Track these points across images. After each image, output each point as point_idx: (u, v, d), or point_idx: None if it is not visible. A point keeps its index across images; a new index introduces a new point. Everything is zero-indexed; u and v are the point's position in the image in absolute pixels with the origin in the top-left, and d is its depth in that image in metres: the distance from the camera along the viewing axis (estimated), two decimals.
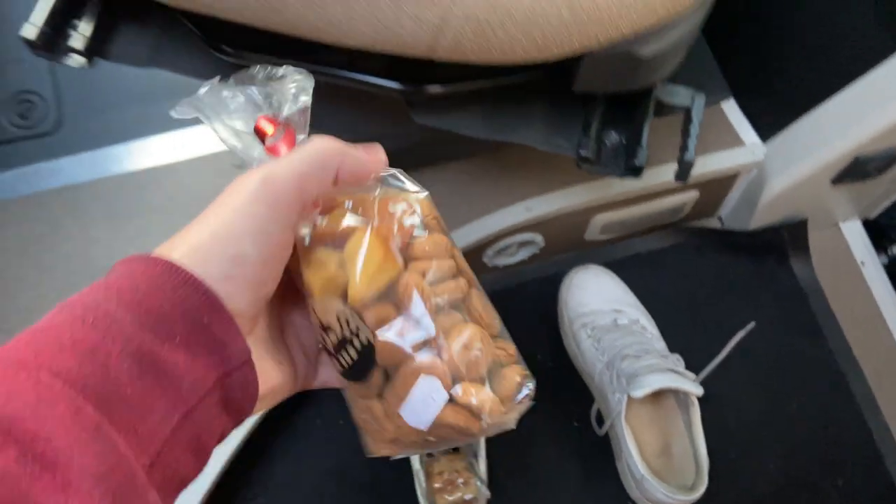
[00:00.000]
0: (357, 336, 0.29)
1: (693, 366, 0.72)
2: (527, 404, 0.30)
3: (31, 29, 0.54)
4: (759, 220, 0.88)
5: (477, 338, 0.29)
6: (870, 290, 0.89)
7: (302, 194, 0.28)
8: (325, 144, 0.29)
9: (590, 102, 0.57)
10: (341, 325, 0.29)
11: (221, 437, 0.27)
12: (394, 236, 0.29)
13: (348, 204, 0.30)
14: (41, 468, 0.20)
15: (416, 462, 0.73)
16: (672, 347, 0.76)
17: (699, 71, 0.79)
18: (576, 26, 0.39)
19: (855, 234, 0.92)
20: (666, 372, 0.70)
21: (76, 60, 0.57)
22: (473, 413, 0.28)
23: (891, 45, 0.69)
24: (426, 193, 0.31)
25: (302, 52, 0.50)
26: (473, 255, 0.84)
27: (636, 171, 0.56)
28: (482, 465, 0.73)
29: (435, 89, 0.52)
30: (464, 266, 0.31)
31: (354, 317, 0.29)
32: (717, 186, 0.87)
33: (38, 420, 0.20)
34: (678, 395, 0.73)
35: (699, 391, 0.69)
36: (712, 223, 0.95)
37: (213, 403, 0.25)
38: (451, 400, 0.28)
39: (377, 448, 0.31)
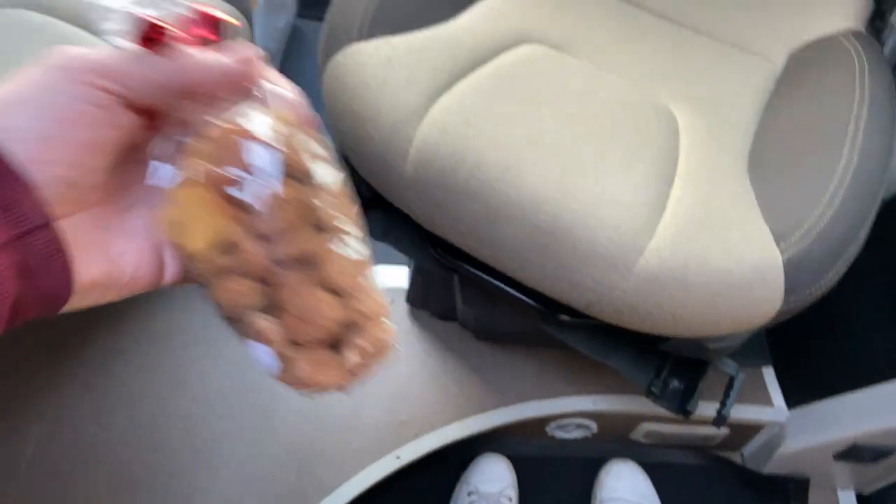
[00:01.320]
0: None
1: None
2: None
3: None
4: (772, 467, 1.07)
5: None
6: None
7: (103, 75, 0.25)
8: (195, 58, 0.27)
9: (664, 354, 0.81)
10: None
11: (22, 311, 0.25)
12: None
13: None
14: None
15: None
16: None
17: (752, 342, 1.03)
18: (673, 327, 0.64)
19: None
20: None
21: None
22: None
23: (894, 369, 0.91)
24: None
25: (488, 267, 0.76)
26: (540, 423, 1.06)
27: (687, 414, 0.78)
28: None
29: (565, 318, 0.77)
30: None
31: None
32: (745, 430, 1.07)
33: None
34: None
35: None
36: (735, 457, 1.14)
37: (5, 265, 0.24)
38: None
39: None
